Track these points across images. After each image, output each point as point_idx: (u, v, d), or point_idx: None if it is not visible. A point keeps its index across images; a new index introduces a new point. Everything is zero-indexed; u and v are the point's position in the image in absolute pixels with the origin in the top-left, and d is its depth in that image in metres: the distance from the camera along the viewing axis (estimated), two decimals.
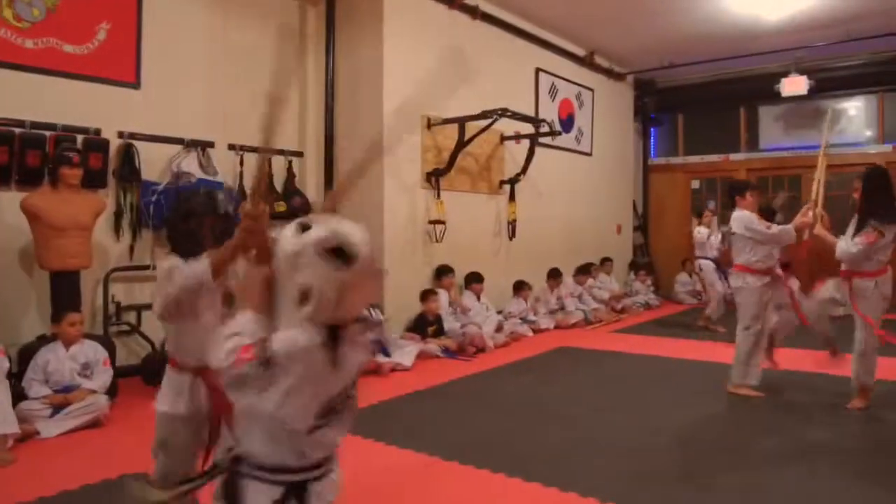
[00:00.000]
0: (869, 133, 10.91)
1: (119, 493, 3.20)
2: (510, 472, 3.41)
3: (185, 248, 2.35)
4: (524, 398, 5.03)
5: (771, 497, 3.15)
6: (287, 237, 1.52)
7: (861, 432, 4.22)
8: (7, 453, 3.63)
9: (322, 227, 1.49)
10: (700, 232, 8.48)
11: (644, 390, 5.32)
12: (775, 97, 10.34)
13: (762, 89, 10.53)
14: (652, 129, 12.55)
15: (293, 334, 1.47)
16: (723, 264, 8.65)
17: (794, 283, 5.76)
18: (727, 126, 11.86)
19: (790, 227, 4.83)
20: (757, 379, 5.02)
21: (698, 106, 12.03)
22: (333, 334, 1.47)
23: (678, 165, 12.32)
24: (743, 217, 5.01)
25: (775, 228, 4.92)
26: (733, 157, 11.71)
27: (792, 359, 5.88)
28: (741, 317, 5.06)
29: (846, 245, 4.53)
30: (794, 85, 9.95)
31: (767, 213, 5.46)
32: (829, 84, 10.39)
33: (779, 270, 5.19)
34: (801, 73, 9.96)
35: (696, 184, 12.23)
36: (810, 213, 4.78)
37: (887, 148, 10.53)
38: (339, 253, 1.46)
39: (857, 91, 10.76)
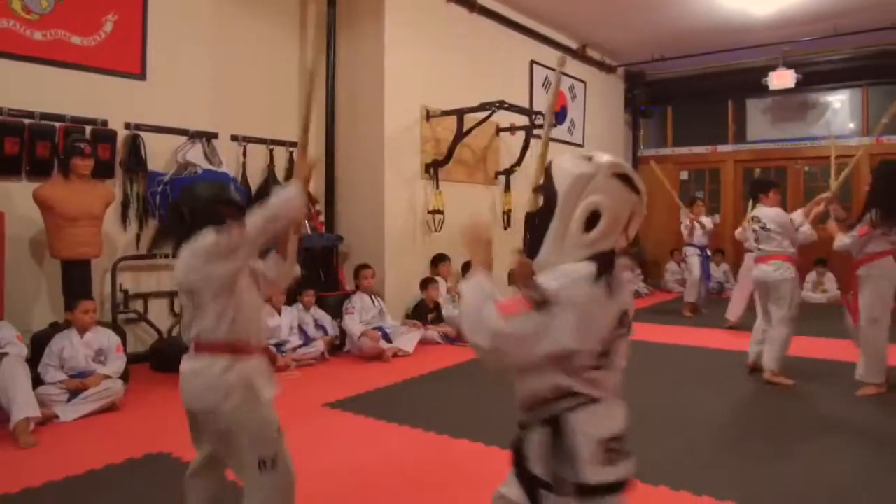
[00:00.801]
0: (853, 125, 11.14)
1: (143, 471, 3.36)
2: None
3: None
4: None
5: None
6: (571, 162, 1.60)
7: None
8: (30, 436, 3.74)
9: (609, 156, 1.59)
10: (685, 223, 8.78)
11: (633, 372, 5.50)
12: (763, 90, 10.53)
13: (750, 82, 10.71)
14: (643, 121, 12.73)
15: (568, 269, 1.50)
16: (709, 249, 9.04)
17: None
18: (715, 118, 12.06)
19: (809, 234, 5.25)
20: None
21: (687, 98, 12.21)
22: (606, 264, 1.51)
23: (667, 157, 12.51)
24: (776, 214, 5.20)
25: (803, 231, 5.22)
26: (721, 148, 11.92)
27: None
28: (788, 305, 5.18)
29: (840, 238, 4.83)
30: (782, 78, 10.14)
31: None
32: (816, 78, 10.60)
33: None
34: (789, 66, 10.15)
35: (685, 175, 12.43)
36: (822, 206, 5.21)
37: (871, 140, 10.75)
38: (626, 179, 1.57)
39: (842, 84, 10.99)
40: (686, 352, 6.39)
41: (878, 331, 4.75)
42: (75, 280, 4.87)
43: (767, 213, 5.24)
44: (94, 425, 4.09)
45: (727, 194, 11.88)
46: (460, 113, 6.92)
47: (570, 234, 1.56)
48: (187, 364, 2.27)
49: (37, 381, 4.21)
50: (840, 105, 11.26)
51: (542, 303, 1.45)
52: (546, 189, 1.63)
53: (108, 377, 4.40)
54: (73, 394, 4.25)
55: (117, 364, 4.54)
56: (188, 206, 2.32)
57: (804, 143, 11.32)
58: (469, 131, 7.08)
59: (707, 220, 8.99)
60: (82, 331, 4.48)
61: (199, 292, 2.21)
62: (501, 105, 6.87)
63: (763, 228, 5.19)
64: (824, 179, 11.03)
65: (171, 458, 3.49)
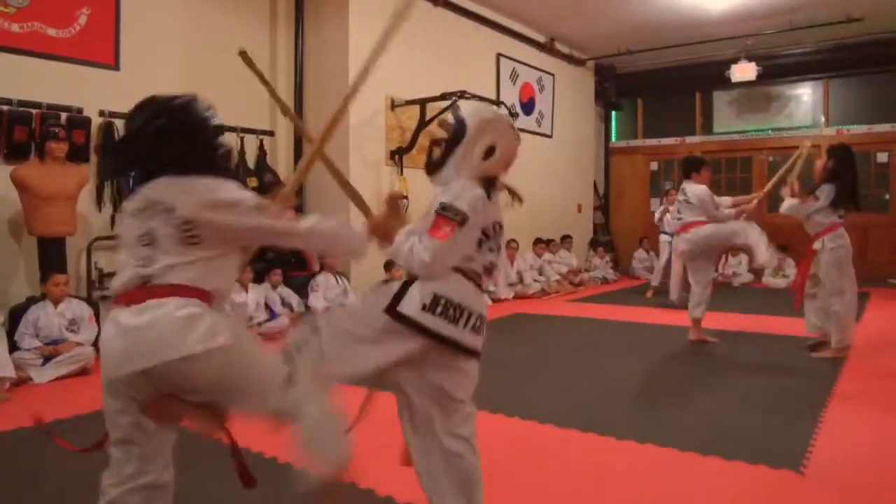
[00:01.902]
0: (815, 117, 11.51)
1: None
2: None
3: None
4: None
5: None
6: (481, 108, 2.24)
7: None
8: (4, 393, 4.08)
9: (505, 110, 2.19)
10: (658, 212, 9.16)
11: (583, 344, 5.87)
12: (728, 83, 10.90)
13: (716, 75, 11.05)
14: (613, 113, 13.11)
15: (466, 191, 2.03)
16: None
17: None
18: (684, 110, 12.46)
19: (732, 214, 5.68)
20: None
21: (657, 91, 12.60)
22: (491, 185, 2.14)
23: (638, 148, 12.89)
24: (700, 190, 5.63)
25: (722, 211, 5.64)
26: (689, 139, 12.29)
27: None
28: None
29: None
30: (744, 71, 10.51)
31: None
32: (778, 70, 10.99)
33: None
34: (751, 59, 10.52)
35: (654, 165, 12.81)
36: (754, 202, 5.77)
37: (832, 132, 11.12)
38: (514, 129, 2.22)
39: (803, 77, 11.37)
40: (634, 328, 6.75)
41: (845, 301, 5.11)
42: (51, 256, 5.19)
43: (693, 188, 5.65)
44: (65, 386, 4.43)
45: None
46: (423, 102, 7.26)
47: (471, 160, 2.13)
48: (126, 316, 1.75)
49: (13, 349, 4.55)
50: (802, 97, 11.65)
51: (462, 222, 1.99)
52: (456, 123, 2.17)
53: (80, 344, 4.74)
54: (47, 359, 4.59)
55: (89, 332, 4.87)
56: (175, 126, 1.91)
57: (768, 135, 11.72)
58: (431, 120, 7.41)
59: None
60: (56, 302, 4.81)
61: (201, 232, 1.82)
62: (462, 95, 7.20)
63: (686, 201, 5.64)
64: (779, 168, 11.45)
65: None
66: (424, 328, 1.97)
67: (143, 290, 1.77)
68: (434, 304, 1.98)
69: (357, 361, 2.02)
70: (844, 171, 5.19)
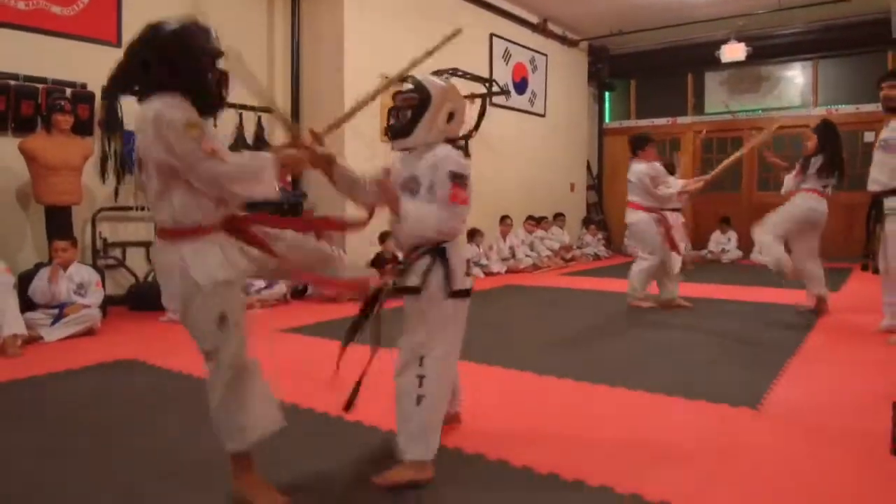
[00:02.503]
0: (804, 97, 11.69)
1: (113, 370, 3.94)
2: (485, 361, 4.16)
3: (205, 101, 2.14)
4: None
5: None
6: (437, 79, 2.49)
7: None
8: (17, 349, 4.33)
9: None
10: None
11: (567, 309, 6.11)
12: (719, 63, 11.07)
13: (707, 56, 11.20)
14: (607, 94, 13.29)
15: (452, 157, 2.36)
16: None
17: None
18: (676, 91, 12.63)
19: (675, 189, 6.00)
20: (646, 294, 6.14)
21: (649, 72, 12.78)
22: (455, 143, 2.52)
23: (631, 128, 13.06)
24: (640, 169, 5.92)
25: (661, 191, 5.93)
26: (680, 120, 12.49)
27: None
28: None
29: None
30: (733, 51, 10.67)
31: (669, 170, 6.62)
32: (767, 51, 11.15)
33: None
34: (741, 40, 10.68)
35: None
36: (700, 185, 6.17)
37: (822, 111, 11.30)
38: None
39: (793, 58, 11.55)
40: (619, 297, 6.98)
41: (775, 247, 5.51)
42: (57, 224, 5.42)
43: (635, 167, 5.96)
44: (73, 344, 4.68)
45: (686, 163, 12.44)
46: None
47: (437, 124, 2.44)
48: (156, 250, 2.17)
49: (24, 308, 4.80)
50: (792, 78, 11.82)
51: (467, 185, 2.35)
52: (419, 91, 2.45)
53: (87, 307, 4.98)
54: (56, 319, 4.83)
55: (96, 296, 5.12)
56: (158, 53, 2.08)
57: (758, 115, 11.89)
58: None
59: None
60: (63, 267, 5.04)
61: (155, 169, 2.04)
62: (454, 72, 7.40)
63: (629, 180, 5.96)
64: (777, 148, 11.63)
65: (139, 363, 4.10)
66: (469, 290, 2.43)
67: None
68: (468, 268, 2.49)
69: (456, 353, 2.50)
70: (829, 145, 5.46)
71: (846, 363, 4.07)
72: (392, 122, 2.54)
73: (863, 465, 2.49)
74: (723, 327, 5.22)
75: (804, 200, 5.52)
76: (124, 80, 2.15)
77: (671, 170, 6.82)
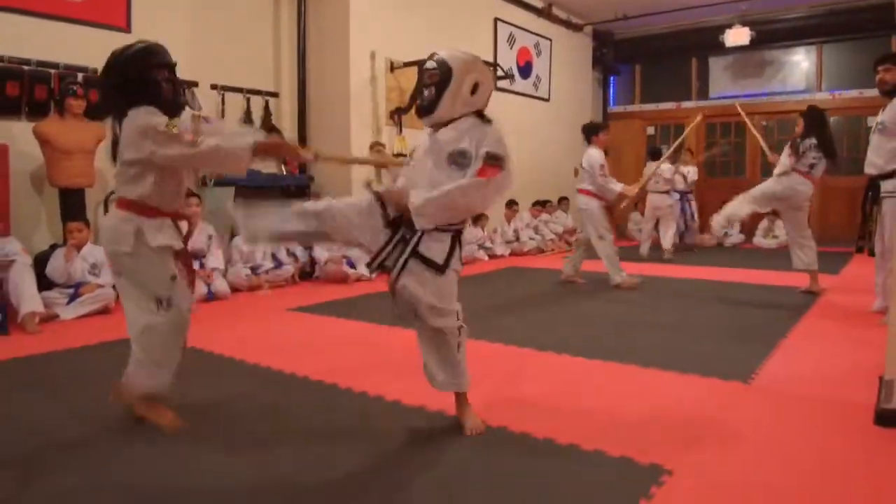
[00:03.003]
0: (809, 81, 11.72)
1: (127, 348, 4.08)
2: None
3: (164, 104, 2.58)
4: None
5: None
6: (460, 52, 2.57)
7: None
8: (35, 325, 4.49)
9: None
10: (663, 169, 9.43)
11: (568, 290, 6.24)
12: (724, 48, 11.11)
13: (711, 41, 11.24)
14: (611, 79, 13.33)
15: (490, 134, 2.50)
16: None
17: None
18: (680, 75, 12.67)
19: (617, 188, 6.24)
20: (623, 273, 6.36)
21: (654, 56, 12.81)
22: (482, 115, 2.59)
23: (635, 113, 13.14)
24: (592, 155, 6.21)
25: (609, 183, 6.23)
26: (685, 104, 12.54)
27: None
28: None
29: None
30: (738, 36, 10.71)
31: (655, 154, 7.62)
32: (772, 35, 11.20)
33: None
34: (745, 24, 10.72)
35: (651, 130, 13.06)
36: (635, 190, 6.37)
37: (826, 96, 11.35)
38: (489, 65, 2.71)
39: (797, 42, 11.57)
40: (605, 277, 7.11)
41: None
42: (71, 206, 5.56)
43: (587, 153, 6.21)
44: (89, 322, 4.84)
45: (690, 147, 12.50)
46: (420, 64, 7.53)
47: (461, 96, 2.51)
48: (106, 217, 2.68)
49: (41, 288, 4.94)
50: (796, 62, 11.85)
51: (504, 163, 2.45)
52: (441, 66, 2.52)
53: (101, 286, 5.13)
54: (72, 298, 4.98)
55: (110, 276, 5.25)
56: (120, 77, 2.57)
57: (762, 99, 11.95)
58: None
59: (690, 170, 9.80)
60: (77, 248, 5.19)
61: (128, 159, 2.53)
62: None
63: (581, 168, 6.19)
64: (781, 133, 11.70)
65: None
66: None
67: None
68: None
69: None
70: (815, 129, 5.56)
71: (838, 341, 4.19)
72: (419, 101, 2.61)
73: (848, 435, 2.61)
74: (720, 307, 5.34)
75: (789, 179, 5.67)
76: (107, 106, 2.68)
77: (657, 156, 7.38)
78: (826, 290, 5.85)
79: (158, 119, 2.48)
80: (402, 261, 2.49)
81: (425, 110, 2.58)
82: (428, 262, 2.48)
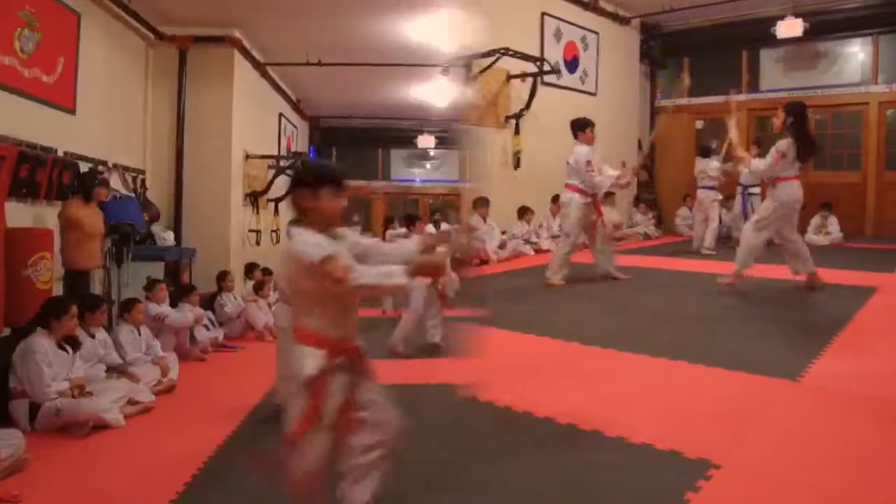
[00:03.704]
0: (864, 74, 11.38)
1: None
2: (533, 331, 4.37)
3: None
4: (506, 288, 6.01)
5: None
6: None
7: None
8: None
9: None
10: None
11: (614, 284, 6.24)
12: (775, 40, 10.82)
13: (762, 32, 10.90)
14: (661, 72, 13.16)
15: None
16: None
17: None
18: (730, 68, 12.40)
19: (607, 181, 6.20)
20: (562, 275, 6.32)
21: (703, 49, 12.56)
22: None
23: (683, 107, 12.94)
24: (579, 152, 6.15)
25: (596, 177, 6.15)
26: (734, 97, 12.27)
27: None
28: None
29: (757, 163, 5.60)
30: (790, 27, 10.40)
31: (705, 151, 7.79)
32: (826, 26, 10.84)
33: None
34: (798, 16, 10.45)
35: (699, 124, 12.86)
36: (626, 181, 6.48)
37: (883, 88, 11.00)
38: None
39: (852, 33, 11.22)
40: (666, 273, 7.09)
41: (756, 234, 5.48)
42: (82, 287, 5.44)
43: (575, 149, 6.18)
44: None
45: (740, 143, 12.26)
46: (468, 60, 7.61)
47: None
48: None
49: None
50: (851, 54, 11.51)
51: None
52: None
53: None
54: None
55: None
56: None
57: (815, 92, 11.63)
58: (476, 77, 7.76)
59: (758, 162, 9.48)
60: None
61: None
62: (506, 52, 7.52)
63: (568, 163, 6.19)
64: (834, 127, 11.42)
65: None
66: None
67: None
68: None
69: None
70: (794, 124, 5.34)
71: (892, 340, 4.12)
72: None
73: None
74: (769, 305, 5.27)
75: (794, 191, 5.39)
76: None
77: (706, 153, 7.89)
78: (879, 289, 5.70)
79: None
80: None
81: None
82: None
